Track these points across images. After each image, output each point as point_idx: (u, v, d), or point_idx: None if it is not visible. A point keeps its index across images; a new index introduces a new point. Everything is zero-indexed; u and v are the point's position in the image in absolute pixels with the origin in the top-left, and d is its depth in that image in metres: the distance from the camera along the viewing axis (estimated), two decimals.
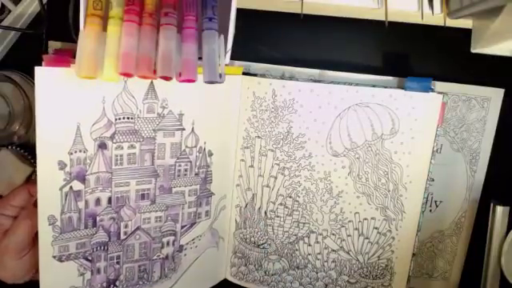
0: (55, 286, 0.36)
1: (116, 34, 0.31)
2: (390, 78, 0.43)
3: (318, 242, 0.43)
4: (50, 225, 0.35)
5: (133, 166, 0.37)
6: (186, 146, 0.39)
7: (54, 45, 0.42)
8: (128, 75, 0.31)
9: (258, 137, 0.42)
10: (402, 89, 0.39)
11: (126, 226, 0.39)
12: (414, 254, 0.42)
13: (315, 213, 0.43)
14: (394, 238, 0.42)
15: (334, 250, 0.43)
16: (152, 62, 0.31)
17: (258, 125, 0.42)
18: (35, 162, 0.41)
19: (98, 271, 0.38)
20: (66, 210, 0.35)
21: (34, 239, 0.36)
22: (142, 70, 0.31)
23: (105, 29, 0.32)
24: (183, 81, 0.31)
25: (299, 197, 0.42)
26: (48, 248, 0.35)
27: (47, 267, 0.35)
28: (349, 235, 0.43)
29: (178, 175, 0.40)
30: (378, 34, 0.42)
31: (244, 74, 0.41)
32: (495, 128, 0.43)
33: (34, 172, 0.47)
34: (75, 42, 0.32)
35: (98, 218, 0.37)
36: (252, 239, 0.44)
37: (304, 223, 0.43)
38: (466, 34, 0.40)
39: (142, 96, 0.36)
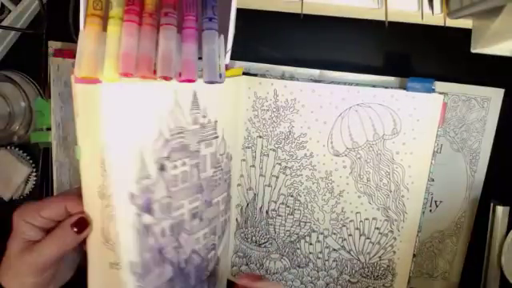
0: None
1: (116, 34, 0.31)
2: (391, 78, 0.43)
3: (319, 241, 0.43)
4: (132, 274, 0.29)
5: (185, 184, 0.34)
6: (220, 154, 0.37)
7: (54, 45, 0.42)
8: (128, 75, 0.31)
9: (260, 136, 0.42)
10: (404, 89, 0.39)
11: (185, 253, 0.34)
12: (414, 255, 0.42)
13: (316, 212, 0.43)
14: (395, 238, 0.42)
15: (335, 250, 0.43)
16: (152, 62, 0.31)
17: (260, 125, 0.42)
18: (34, 163, 0.42)
19: None
20: (142, 251, 0.30)
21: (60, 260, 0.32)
22: (142, 70, 0.31)
23: (105, 29, 0.32)
24: (183, 81, 0.31)
25: (300, 196, 0.42)
26: None
27: None
28: (350, 235, 0.43)
29: (215, 185, 0.37)
30: (378, 34, 0.42)
31: (244, 74, 0.41)
32: (495, 128, 0.43)
33: (33, 173, 0.47)
34: (75, 42, 0.32)
35: (163, 251, 0.32)
36: (253, 238, 0.44)
37: (305, 222, 0.43)
38: (466, 33, 0.40)
39: (188, 106, 0.33)
